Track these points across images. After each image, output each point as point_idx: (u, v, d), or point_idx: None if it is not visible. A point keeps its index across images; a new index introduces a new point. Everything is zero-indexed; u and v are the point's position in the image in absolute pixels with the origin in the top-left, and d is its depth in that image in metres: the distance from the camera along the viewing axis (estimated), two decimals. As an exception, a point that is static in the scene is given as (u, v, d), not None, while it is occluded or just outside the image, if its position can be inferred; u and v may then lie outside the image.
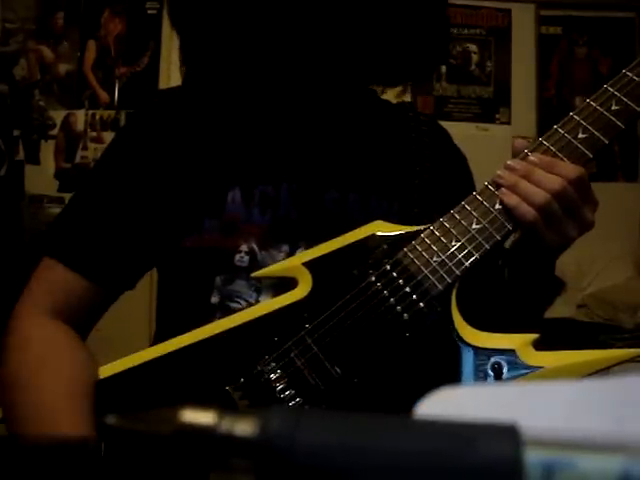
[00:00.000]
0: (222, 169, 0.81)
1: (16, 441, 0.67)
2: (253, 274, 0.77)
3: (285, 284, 0.76)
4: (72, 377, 0.74)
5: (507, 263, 0.82)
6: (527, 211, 0.70)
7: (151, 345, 0.78)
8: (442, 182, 0.90)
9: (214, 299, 0.79)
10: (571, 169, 0.71)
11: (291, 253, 0.79)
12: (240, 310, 0.77)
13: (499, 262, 0.83)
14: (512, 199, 0.71)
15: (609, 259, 2.20)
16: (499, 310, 0.85)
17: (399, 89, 0.98)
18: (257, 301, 0.78)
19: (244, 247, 0.79)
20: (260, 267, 0.78)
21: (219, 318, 0.77)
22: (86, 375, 0.74)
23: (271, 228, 0.80)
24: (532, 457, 0.24)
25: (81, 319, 0.81)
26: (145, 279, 0.87)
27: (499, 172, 0.74)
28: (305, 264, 0.75)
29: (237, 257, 0.79)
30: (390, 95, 1.00)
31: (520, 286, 0.81)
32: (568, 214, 0.71)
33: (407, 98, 2.28)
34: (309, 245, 0.79)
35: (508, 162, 0.74)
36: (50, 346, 0.77)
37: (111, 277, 0.81)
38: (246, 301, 0.78)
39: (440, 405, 0.28)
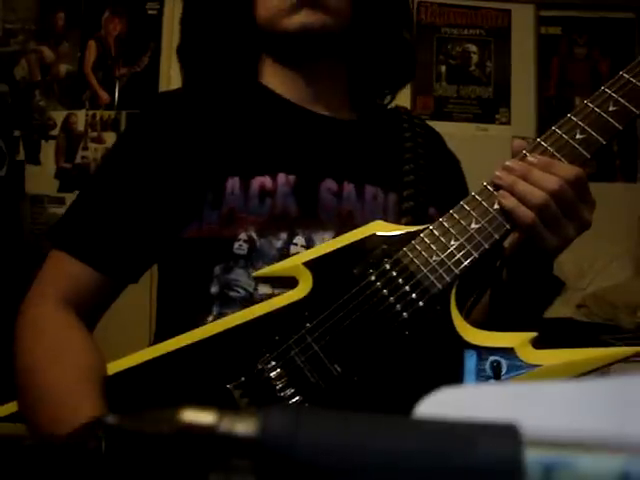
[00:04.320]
0: (220, 161, 0.83)
1: (16, 441, 0.67)
2: (254, 274, 0.78)
3: (284, 281, 0.76)
4: (86, 364, 0.74)
5: (505, 264, 0.82)
6: (525, 213, 0.71)
7: (152, 343, 0.79)
8: (436, 180, 0.91)
9: (214, 289, 0.80)
10: (569, 169, 0.71)
11: (289, 241, 0.80)
12: (239, 299, 0.78)
13: (497, 263, 0.83)
14: (510, 201, 0.72)
15: (609, 259, 2.19)
16: (498, 310, 0.85)
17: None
18: (255, 290, 0.79)
19: (243, 235, 0.80)
20: (259, 255, 0.79)
21: (218, 308, 0.78)
22: (98, 364, 0.75)
23: (269, 217, 0.81)
24: (532, 457, 0.24)
25: (88, 310, 0.82)
26: (145, 278, 0.87)
27: (497, 172, 0.74)
28: (305, 264, 0.75)
29: (236, 245, 0.80)
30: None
31: (519, 286, 0.81)
32: (566, 214, 0.71)
33: (407, 94, 2.29)
34: (306, 234, 0.80)
35: (506, 163, 0.74)
36: (63, 334, 0.77)
37: (118, 267, 0.82)
38: (245, 290, 0.79)
39: (440, 405, 0.28)
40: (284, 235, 0.80)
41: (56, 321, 0.78)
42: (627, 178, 2.36)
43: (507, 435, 0.25)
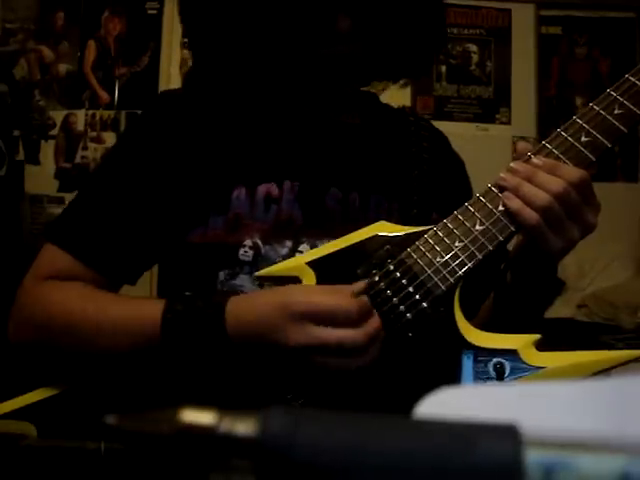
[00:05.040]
0: (227, 167, 0.82)
1: (16, 441, 0.67)
2: (257, 273, 0.77)
3: (288, 281, 0.76)
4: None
5: (510, 266, 0.82)
6: (530, 215, 0.70)
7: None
8: (440, 185, 0.91)
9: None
10: (573, 172, 0.71)
11: (294, 249, 0.80)
12: None
13: (501, 266, 0.83)
14: (515, 203, 0.71)
15: (609, 259, 2.19)
16: (502, 312, 0.85)
17: (398, 86, 0.98)
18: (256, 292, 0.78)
19: (248, 242, 0.80)
20: (263, 261, 0.79)
21: None
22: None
23: (274, 224, 0.81)
24: (532, 457, 0.24)
25: None
26: (145, 276, 0.87)
27: (502, 174, 0.74)
28: (309, 264, 0.75)
29: (241, 251, 0.80)
30: (387, 96, 1.00)
31: (523, 289, 0.81)
32: (570, 216, 0.71)
33: (407, 94, 2.29)
34: (311, 241, 0.80)
35: (511, 164, 0.74)
36: (77, 284, 0.79)
37: (109, 265, 0.81)
38: None
39: (440, 405, 0.28)
40: (289, 243, 0.80)
41: (61, 283, 0.80)
42: (628, 178, 2.36)
43: (507, 435, 0.25)
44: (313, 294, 0.71)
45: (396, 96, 1.02)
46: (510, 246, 0.80)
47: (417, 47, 0.89)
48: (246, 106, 0.87)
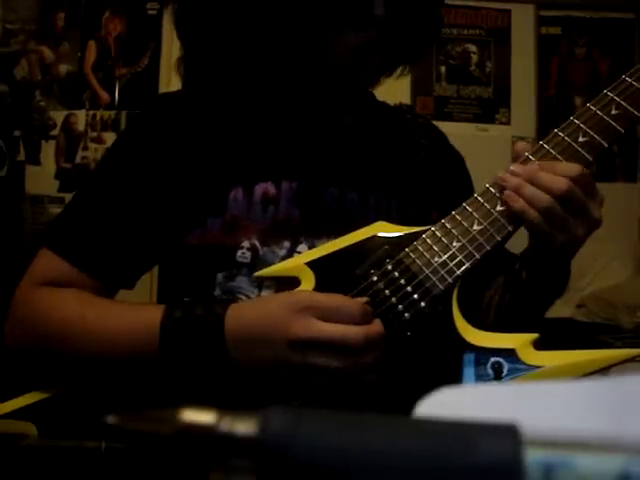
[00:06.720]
0: (224, 168, 0.82)
1: (16, 441, 0.67)
2: (256, 274, 0.77)
3: (287, 281, 0.76)
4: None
5: (524, 265, 0.82)
6: (533, 215, 0.70)
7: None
8: (439, 182, 0.91)
9: (216, 295, 0.80)
10: (572, 167, 0.72)
11: (292, 249, 0.80)
12: None
13: (516, 266, 0.83)
14: (519, 203, 0.71)
15: (608, 259, 2.19)
16: (519, 310, 0.84)
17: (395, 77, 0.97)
18: (258, 297, 0.78)
19: (246, 243, 0.80)
20: (262, 263, 0.79)
21: None
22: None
23: (272, 225, 0.80)
24: (532, 457, 0.24)
25: None
26: (145, 279, 0.87)
27: (502, 175, 0.74)
28: (308, 264, 0.75)
29: (239, 253, 0.79)
30: (387, 96, 1.00)
31: (539, 286, 0.81)
32: (575, 214, 0.71)
33: (406, 95, 2.28)
34: (310, 241, 0.80)
35: (511, 167, 0.74)
36: (77, 290, 0.79)
37: (105, 270, 0.81)
38: (247, 297, 0.79)
39: (440, 405, 0.28)
40: (287, 243, 0.80)
41: (59, 289, 0.79)
42: (627, 178, 2.36)
43: (507, 435, 0.25)
44: (318, 293, 0.72)
45: (395, 96, 1.02)
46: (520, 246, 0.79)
47: (415, 30, 0.87)
48: (242, 106, 0.87)
